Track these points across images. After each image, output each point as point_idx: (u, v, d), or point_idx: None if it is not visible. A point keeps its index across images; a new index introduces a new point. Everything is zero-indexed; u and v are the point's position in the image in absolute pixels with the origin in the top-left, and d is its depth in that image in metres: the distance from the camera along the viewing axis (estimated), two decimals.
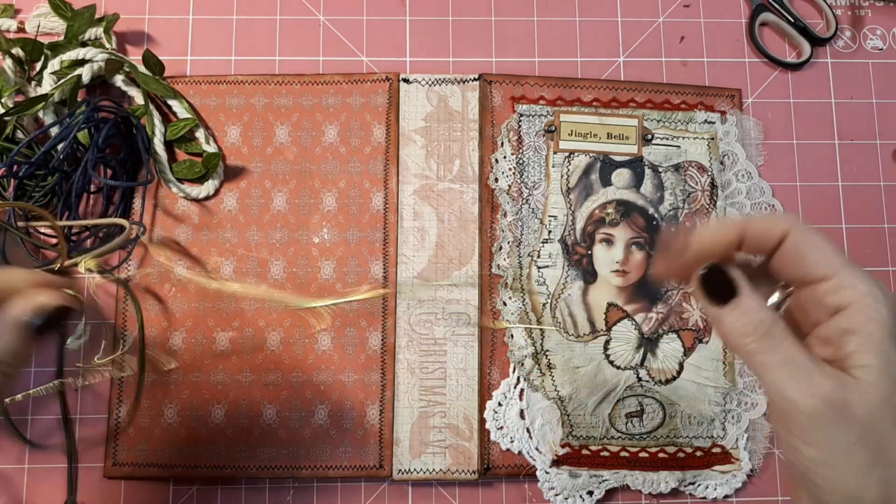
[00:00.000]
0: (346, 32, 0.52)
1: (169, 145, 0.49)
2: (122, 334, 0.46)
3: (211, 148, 0.49)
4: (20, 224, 0.45)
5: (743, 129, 0.51)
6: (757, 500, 0.47)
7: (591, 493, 0.46)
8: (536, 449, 0.47)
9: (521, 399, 0.47)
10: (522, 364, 0.47)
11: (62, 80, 0.46)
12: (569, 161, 0.50)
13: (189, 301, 0.48)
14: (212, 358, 0.47)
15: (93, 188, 0.48)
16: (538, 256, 0.49)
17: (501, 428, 0.47)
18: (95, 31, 0.49)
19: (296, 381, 0.47)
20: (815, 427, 0.25)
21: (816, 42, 0.53)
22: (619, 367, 0.48)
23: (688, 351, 0.48)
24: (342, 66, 0.51)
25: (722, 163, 0.50)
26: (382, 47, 0.52)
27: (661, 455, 0.47)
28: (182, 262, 0.48)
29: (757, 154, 0.51)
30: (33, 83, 0.48)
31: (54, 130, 0.46)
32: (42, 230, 0.48)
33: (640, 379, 0.48)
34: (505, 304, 0.48)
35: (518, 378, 0.47)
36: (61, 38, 0.49)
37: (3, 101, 0.46)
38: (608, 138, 0.50)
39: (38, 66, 0.48)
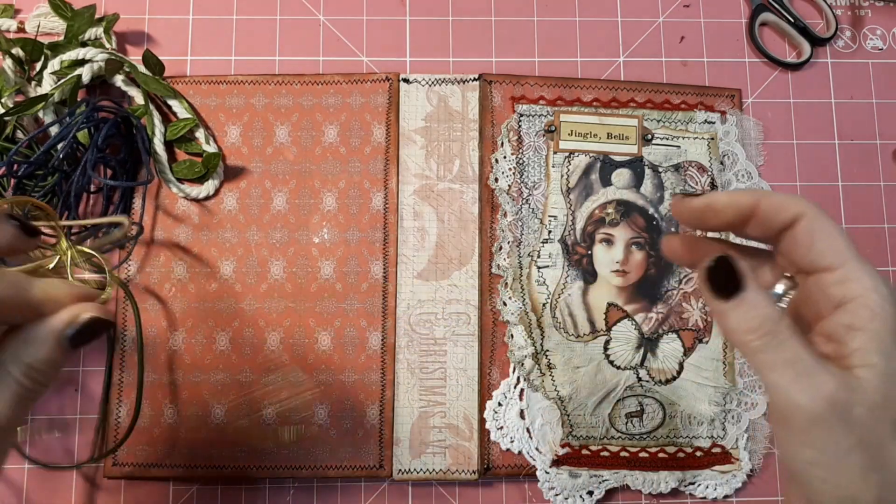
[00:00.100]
0: (346, 32, 0.52)
1: (169, 145, 0.49)
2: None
3: (211, 148, 0.49)
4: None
5: (743, 129, 0.51)
6: (757, 500, 0.47)
7: (591, 493, 0.46)
8: (536, 449, 0.47)
9: (521, 399, 0.47)
10: (522, 364, 0.47)
11: (62, 80, 0.46)
12: (569, 161, 0.50)
13: (189, 301, 0.48)
14: (212, 358, 0.47)
15: (93, 188, 0.48)
16: (538, 256, 0.49)
17: (501, 428, 0.47)
18: (95, 31, 0.49)
19: (296, 380, 0.47)
20: (816, 428, 0.24)
21: (816, 42, 0.53)
22: (619, 367, 0.48)
23: (688, 351, 0.48)
24: (342, 66, 0.51)
25: (722, 163, 0.50)
26: (382, 47, 0.52)
27: (661, 455, 0.47)
28: (182, 261, 0.48)
29: (757, 154, 0.51)
30: (33, 83, 0.48)
31: (54, 130, 0.46)
32: (43, 229, 0.47)
33: (640, 379, 0.48)
34: (505, 304, 0.48)
35: (518, 378, 0.47)
36: (61, 38, 0.49)
37: (3, 101, 0.46)
38: (608, 138, 0.50)
39: (38, 66, 0.48)
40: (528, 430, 0.47)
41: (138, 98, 0.49)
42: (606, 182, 0.50)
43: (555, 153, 0.50)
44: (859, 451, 0.24)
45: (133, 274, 0.48)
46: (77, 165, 0.45)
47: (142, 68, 0.49)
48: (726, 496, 0.47)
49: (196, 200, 0.49)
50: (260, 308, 0.48)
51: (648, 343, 0.48)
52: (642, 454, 0.47)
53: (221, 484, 0.46)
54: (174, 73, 0.50)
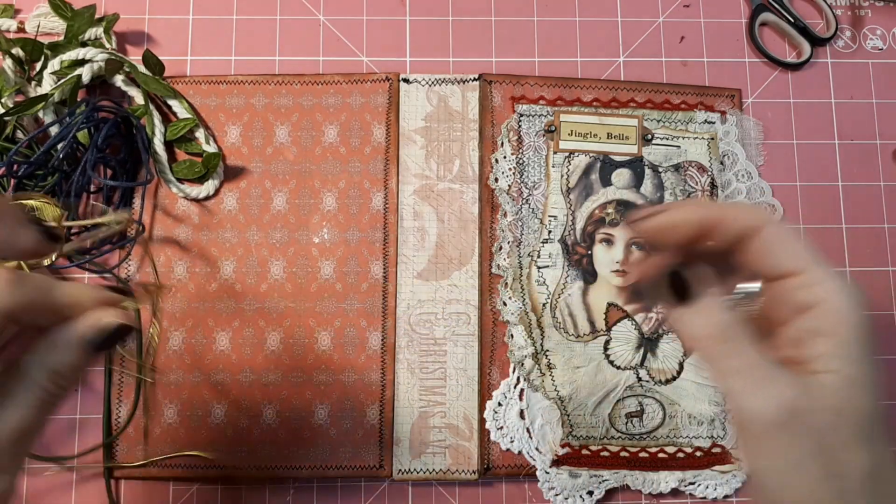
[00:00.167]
0: (346, 32, 0.52)
1: (169, 145, 0.49)
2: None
3: (211, 148, 0.49)
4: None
5: (743, 129, 0.51)
6: None
7: (591, 493, 0.46)
8: (536, 449, 0.47)
9: (521, 399, 0.47)
10: (522, 364, 0.47)
11: (62, 80, 0.46)
12: (569, 161, 0.50)
13: (189, 301, 0.48)
14: (212, 358, 0.47)
15: (92, 188, 0.48)
16: (538, 256, 0.49)
17: (501, 428, 0.47)
18: (95, 31, 0.49)
19: (296, 381, 0.47)
20: (772, 436, 0.24)
21: (816, 42, 0.53)
22: (619, 367, 0.48)
23: (688, 351, 0.48)
24: (342, 66, 0.51)
25: (722, 163, 0.50)
26: (382, 47, 0.52)
27: (661, 455, 0.47)
28: (182, 261, 0.48)
29: (757, 154, 0.51)
30: (33, 83, 0.48)
31: (54, 130, 0.46)
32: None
33: (640, 379, 0.48)
34: (505, 304, 0.48)
35: (518, 378, 0.47)
36: (61, 38, 0.49)
37: (3, 101, 0.46)
38: (608, 138, 0.50)
39: (38, 66, 0.48)
40: (528, 430, 0.47)
41: (138, 98, 0.49)
42: (606, 182, 0.50)
43: (555, 153, 0.50)
44: (818, 459, 0.24)
45: (133, 274, 0.48)
46: (77, 165, 0.45)
47: (142, 68, 0.49)
48: (726, 496, 0.47)
49: (196, 200, 0.49)
50: (260, 308, 0.48)
51: (648, 343, 0.48)
52: (642, 454, 0.47)
53: (221, 484, 0.46)
54: (174, 73, 0.50)
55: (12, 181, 0.45)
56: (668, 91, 0.51)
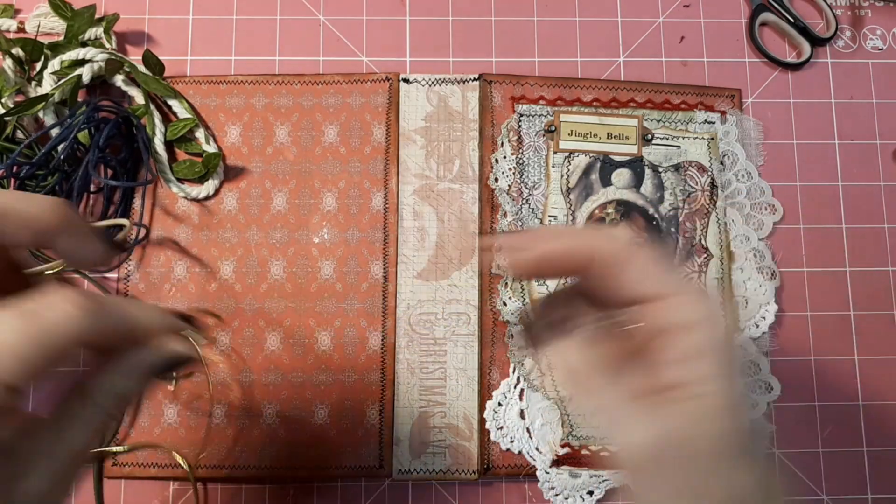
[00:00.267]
0: (346, 32, 0.52)
1: (169, 145, 0.49)
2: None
3: (211, 148, 0.49)
4: None
5: (743, 129, 0.51)
6: None
7: (591, 493, 0.46)
8: (536, 449, 0.47)
9: (521, 399, 0.47)
10: (522, 364, 0.47)
11: (62, 80, 0.47)
12: (569, 161, 0.50)
13: (189, 301, 0.48)
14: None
15: (93, 188, 0.48)
16: None
17: (501, 428, 0.47)
18: (95, 31, 0.49)
19: (296, 381, 0.47)
20: (648, 470, 0.24)
21: (816, 42, 0.53)
22: None
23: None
24: (342, 66, 0.51)
25: (722, 163, 0.50)
26: (382, 47, 0.52)
27: None
28: (182, 261, 0.48)
29: (757, 154, 0.51)
30: (33, 83, 0.48)
31: (55, 131, 0.46)
32: None
33: None
34: (505, 304, 0.48)
35: (518, 378, 0.47)
36: (61, 38, 0.49)
37: (3, 101, 0.46)
38: (608, 138, 0.50)
39: (38, 66, 0.48)
40: (528, 430, 0.47)
41: (138, 98, 0.49)
42: (606, 182, 0.50)
43: (555, 153, 0.50)
44: (691, 491, 0.23)
45: (133, 273, 0.48)
46: (78, 166, 0.45)
47: (142, 68, 0.49)
48: None
49: (196, 200, 0.49)
50: (260, 308, 0.48)
51: None
52: None
53: (221, 484, 0.47)
54: (174, 73, 0.50)
55: (13, 182, 0.45)
56: (668, 91, 0.51)
